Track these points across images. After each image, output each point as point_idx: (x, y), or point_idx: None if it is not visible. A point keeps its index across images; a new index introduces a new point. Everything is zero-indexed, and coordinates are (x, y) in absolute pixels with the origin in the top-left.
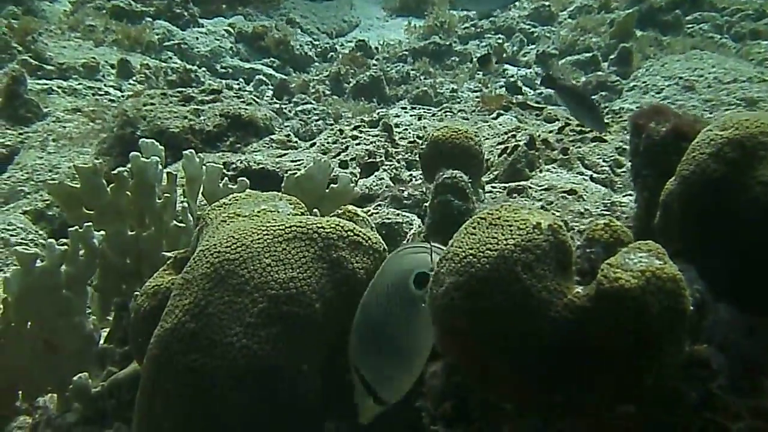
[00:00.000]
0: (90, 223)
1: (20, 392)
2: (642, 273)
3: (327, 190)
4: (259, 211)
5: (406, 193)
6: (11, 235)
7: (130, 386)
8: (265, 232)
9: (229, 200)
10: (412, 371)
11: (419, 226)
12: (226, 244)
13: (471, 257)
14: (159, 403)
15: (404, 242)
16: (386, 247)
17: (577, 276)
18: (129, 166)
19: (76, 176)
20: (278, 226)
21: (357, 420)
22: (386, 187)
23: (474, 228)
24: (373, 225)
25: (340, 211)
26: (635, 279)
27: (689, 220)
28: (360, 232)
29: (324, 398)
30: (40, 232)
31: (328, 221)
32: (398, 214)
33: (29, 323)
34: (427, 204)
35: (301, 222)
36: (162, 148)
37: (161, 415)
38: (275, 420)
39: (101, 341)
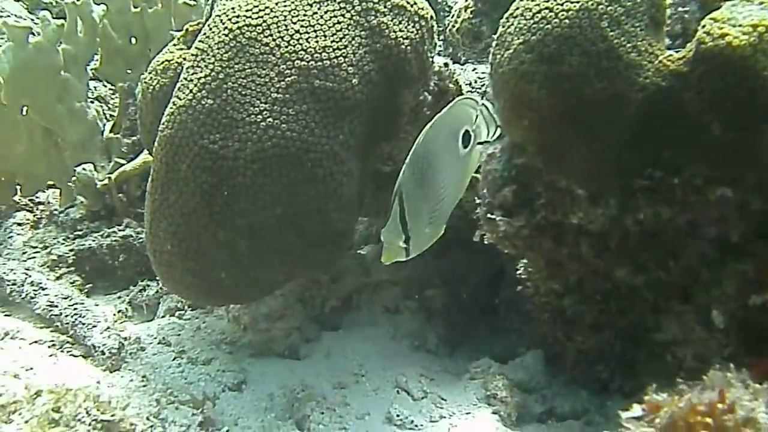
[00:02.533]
0: None
1: (18, 186)
2: (754, 28)
3: None
4: None
5: None
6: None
7: (140, 179)
8: None
9: None
10: (440, 220)
11: (466, 0)
12: (246, 7)
13: (546, 11)
14: (173, 192)
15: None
16: (434, 15)
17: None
18: None
19: None
20: None
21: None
22: None
23: None
24: None
25: None
26: (745, 35)
27: None
28: None
29: (360, 190)
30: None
31: None
32: None
33: (25, 109)
34: None
35: None
36: None
37: (176, 205)
38: (306, 210)
39: (106, 131)
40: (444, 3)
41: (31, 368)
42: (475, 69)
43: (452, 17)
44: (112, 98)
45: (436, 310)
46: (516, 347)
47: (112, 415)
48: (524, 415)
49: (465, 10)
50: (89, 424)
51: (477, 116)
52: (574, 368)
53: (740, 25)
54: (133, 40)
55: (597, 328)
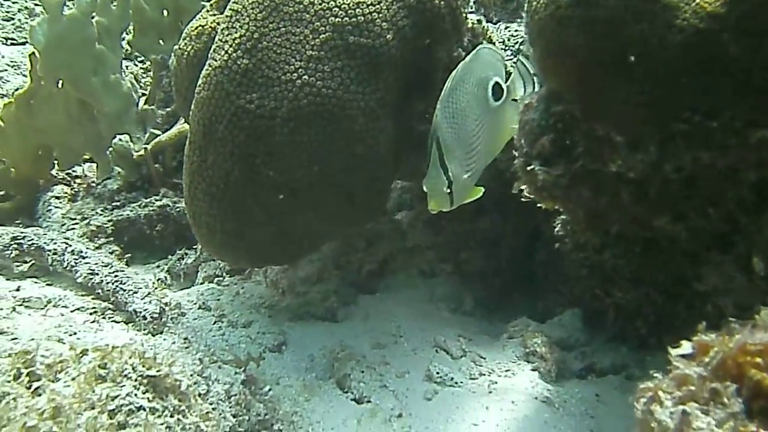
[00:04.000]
0: None
1: (56, 159)
2: None
3: None
4: None
5: None
6: (36, 4)
7: (176, 149)
8: None
9: None
10: (476, 172)
11: None
12: None
13: None
14: (212, 153)
15: None
16: None
17: None
18: None
19: None
20: None
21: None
22: None
23: None
24: None
25: None
26: None
27: None
28: None
29: (396, 147)
30: None
31: None
32: None
33: (60, 81)
34: None
35: None
36: None
37: (215, 166)
38: (343, 167)
39: (140, 103)
40: None
41: (75, 333)
42: (507, 27)
43: None
44: (143, 76)
45: (472, 273)
46: (554, 308)
47: (158, 371)
48: (564, 371)
49: None
50: (135, 380)
51: (514, 70)
52: (613, 325)
53: None
54: (165, 13)
55: (636, 283)
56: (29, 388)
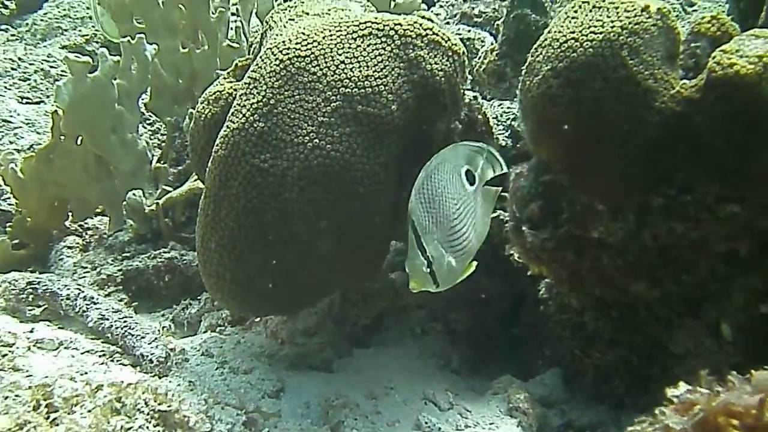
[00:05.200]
0: (142, 35)
1: (70, 211)
2: (759, 58)
3: (392, 4)
4: (329, 10)
5: (476, 10)
6: (51, 67)
7: (185, 205)
8: (337, 29)
9: (295, 2)
10: (464, 255)
11: (492, 43)
12: (296, 40)
13: (572, 41)
14: (225, 207)
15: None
16: (465, 51)
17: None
18: None
19: None
20: (352, 22)
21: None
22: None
23: (576, 11)
24: None
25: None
26: (751, 64)
27: None
28: (439, 31)
29: (395, 209)
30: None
31: (405, 18)
32: (470, 30)
33: (80, 138)
34: (500, 21)
35: (376, 18)
36: None
37: (228, 219)
38: (348, 224)
39: (154, 161)
40: (472, 45)
41: (86, 373)
42: (501, 104)
43: (479, 58)
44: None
45: (461, 333)
46: (537, 368)
47: (169, 406)
48: (544, 427)
49: (491, 53)
50: (147, 413)
51: (482, 159)
52: (592, 385)
53: (747, 56)
54: (180, 79)
55: (614, 345)
56: (47, 418)
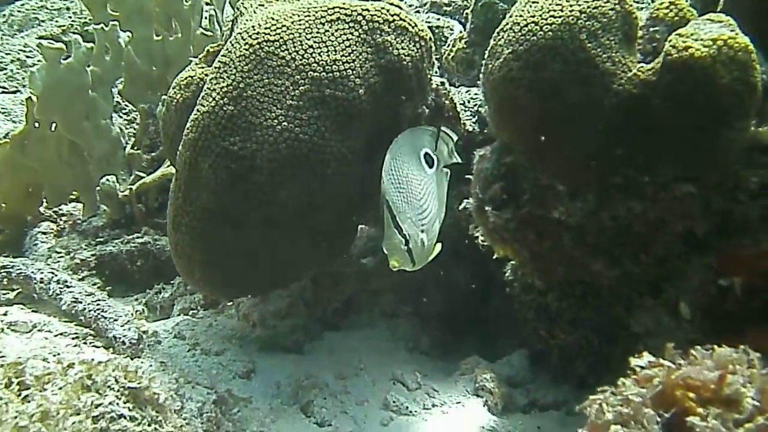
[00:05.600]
0: (116, 22)
1: (45, 197)
2: (713, 41)
3: None
4: None
5: None
6: (27, 57)
7: (158, 191)
8: (306, 14)
9: None
10: (431, 232)
11: (460, 32)
12: (265, 25)
13: (532, 25)
14: (195, 189)
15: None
16: (432, 37)
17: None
18: None
19: None
20: (320, 7)
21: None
22: None
23: None
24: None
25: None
26: (706, 47)
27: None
28: (406, 17)
29: (363, 192)
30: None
31: (373, 4)
32: (439, 18)
33: (54, 124)
34: (468, 10)
35: (344, 4)
36: None
37: (198, 201)
38: (316, 205)
39: (128, 147)
40: (441, 33)
41: (58, 354)
42: (468, 91)
43: (448, 47)
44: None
45: (430, 315)
46: (504, 349)
47: (139, 383)
48: (510, 406)
49: (459, 41)
50: (117, 390)
51: (440, 142)
52: (556, 365)
53: (702, 39)
54: (154, 66)
55: (576, 324)
56: (19, 395)
